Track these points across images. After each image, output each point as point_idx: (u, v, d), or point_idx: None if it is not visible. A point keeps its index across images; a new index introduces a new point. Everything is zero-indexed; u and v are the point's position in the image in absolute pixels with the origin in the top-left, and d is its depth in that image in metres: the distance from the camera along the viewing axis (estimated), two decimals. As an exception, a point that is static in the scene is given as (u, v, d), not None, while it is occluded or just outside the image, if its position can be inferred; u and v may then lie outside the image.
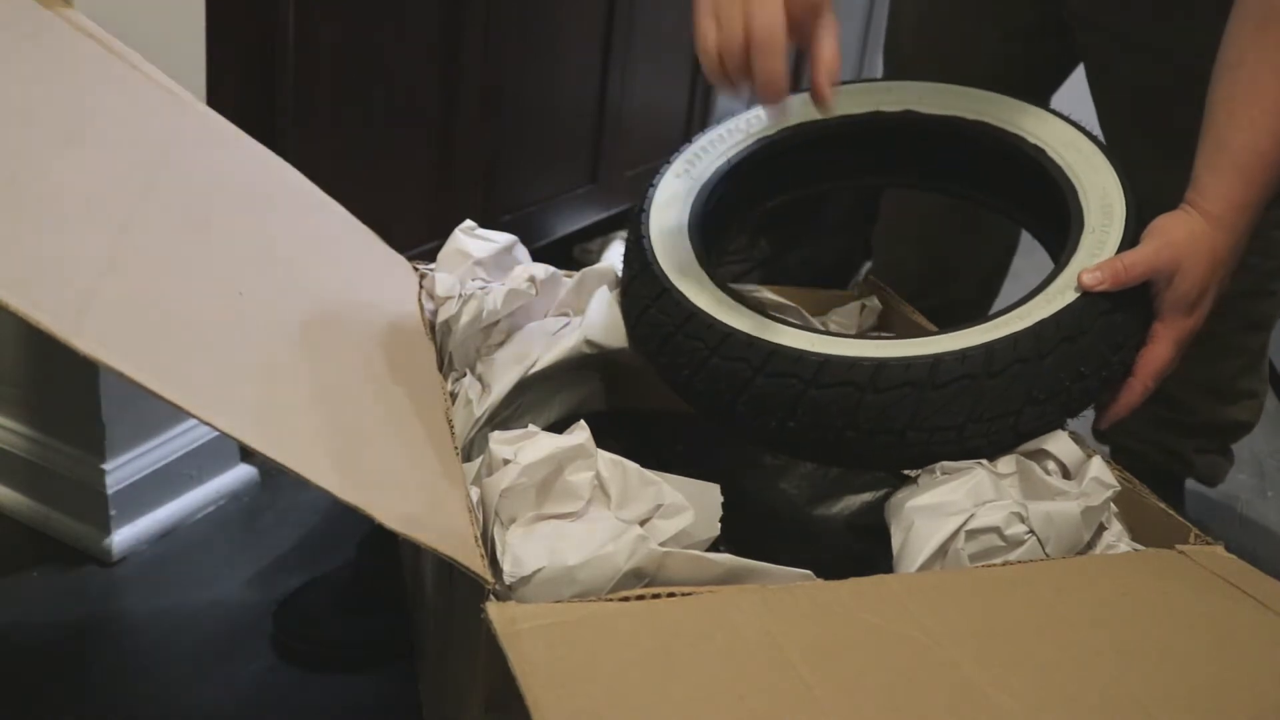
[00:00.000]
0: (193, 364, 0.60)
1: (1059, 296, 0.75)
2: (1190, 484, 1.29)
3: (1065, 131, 0.90)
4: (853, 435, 0.73)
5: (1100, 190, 0.83)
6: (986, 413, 0.72)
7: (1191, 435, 1.22)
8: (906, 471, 0.79)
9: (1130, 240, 0.78)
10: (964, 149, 0.95)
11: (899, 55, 1.23)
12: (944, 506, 0.71)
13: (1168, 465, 1.24)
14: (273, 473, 1.21)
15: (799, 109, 0.95)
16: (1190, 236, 0.76)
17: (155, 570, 1.08)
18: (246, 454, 1.21)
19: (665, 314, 0.79)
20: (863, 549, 0.89)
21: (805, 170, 1.01)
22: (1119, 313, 0.76)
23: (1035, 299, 0.76)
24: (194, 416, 0.54)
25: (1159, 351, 0.77)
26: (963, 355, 0.72)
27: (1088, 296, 0.74)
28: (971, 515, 0.69)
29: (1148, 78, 1.03)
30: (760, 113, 0.95)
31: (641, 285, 0.82)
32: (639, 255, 0.84)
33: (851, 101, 0.97)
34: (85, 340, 0.52)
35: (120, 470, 1.07)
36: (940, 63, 1.17)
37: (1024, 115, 0.92)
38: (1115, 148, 1.11)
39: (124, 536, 1.08)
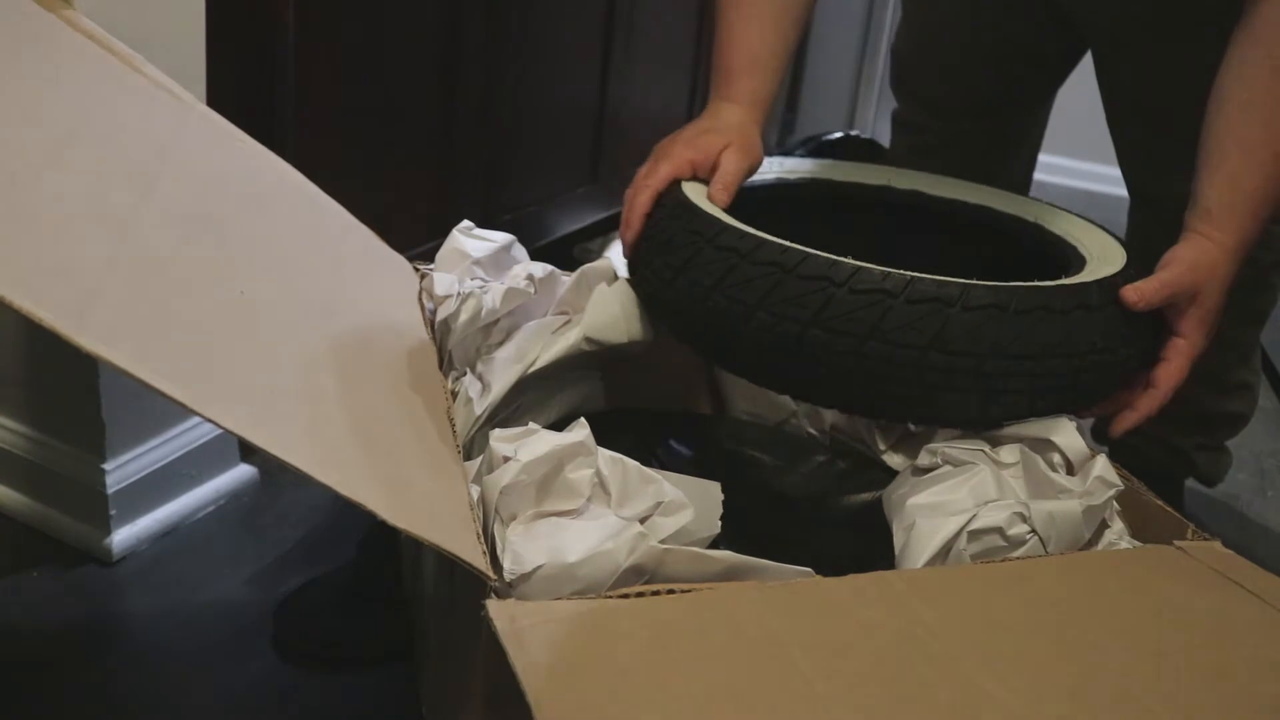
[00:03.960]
0: (194, 362, 0.60)
1: (1074, 281, 0.77)
2: (1190, 483, 1.30)
3: (1063, 215, 0.94)
4: (876, 348, 0.72)
5: (1099, 244, 0.87)
6: (1008, 349, 0.73)
7: (1191, 429, 1.23)
8: (900, 464, 0.79)
9: (1134, 262, 0.81)
10: (964, 228, 0.99)
11: (901, 59, 1.24)
12: (946, 506, 0.71)
13: (1169, 464, 1.24)
14: (273, 472, 1.21)
15: (811, 168, 1.01)
16: (1211, 264, 0.80)
17: (155, 570, 1.08)
18: (247, 454, 1.21)
19: (694, 231, 0.79)
20: (863, 548, 0.89)
21: (812, 221, 1.03)
22: (1127, 311, 0.77)
23: (1051, 282, 0.78)
24: (196, 413, 0.55)
25: (1179, 366, 0.80)
26: (994, 287, 0.73)
27: (1104, 282, 0.76)
28: (974, 515, 0.69)
29: (1146, 80, 1.04)
30: (784, 160, 1.02)
31: (669, 219, 0.83)
32: (669, 196, 0.85)
33: (866, 174, 1.03)
34: (88, 338, 0.53)
35: (120, 470, 1.07)
36: (942, 65, 1.18)
37: (1025, 204, 0.97)
38: (1118, 141, 1.12)
39: (124, 536, 1.08)
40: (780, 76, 0.95)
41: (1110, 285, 0.77)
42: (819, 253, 0.74)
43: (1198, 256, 0.80)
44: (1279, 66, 0.80)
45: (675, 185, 0.86)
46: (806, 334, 0.73)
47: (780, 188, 0.99)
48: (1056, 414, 0.77)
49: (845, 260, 0.73)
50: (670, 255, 0.81)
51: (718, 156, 0.87)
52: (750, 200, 0.92)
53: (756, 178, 0.95)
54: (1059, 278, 0.83)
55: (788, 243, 0.75)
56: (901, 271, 0.73)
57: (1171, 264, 0.79)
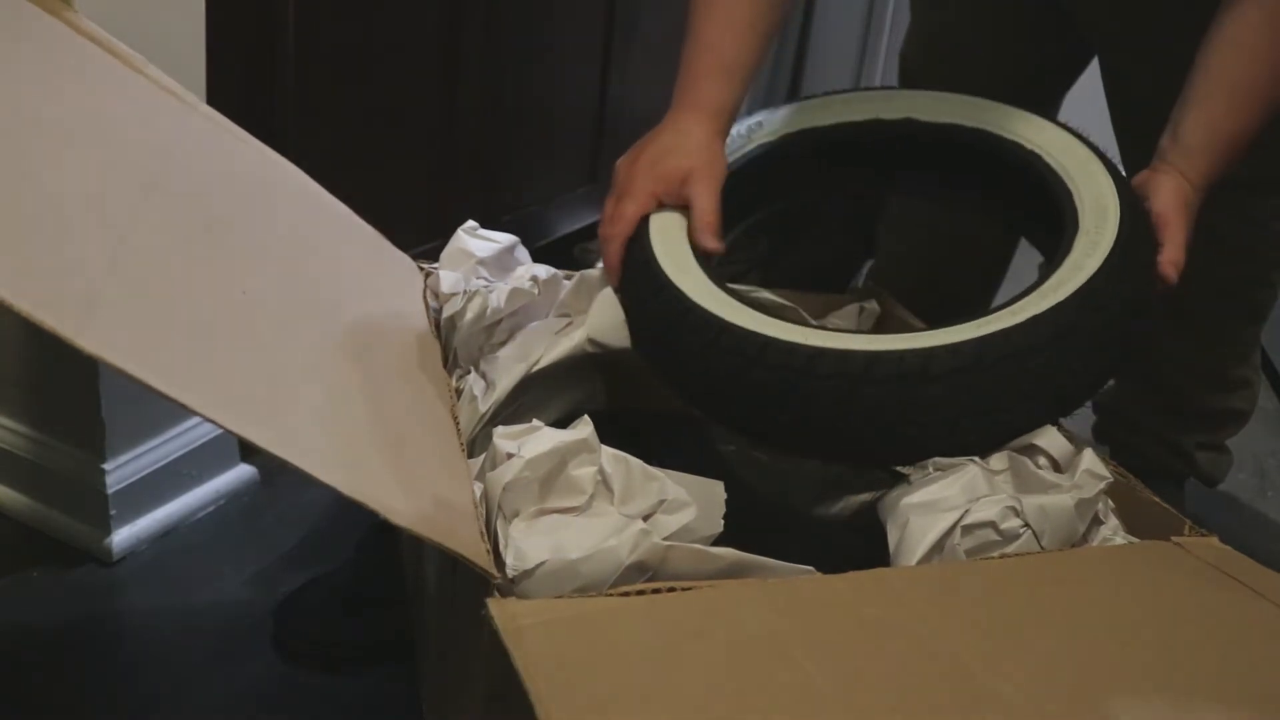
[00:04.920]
0: (197, 363, 0.60)
1: (1051, 294, 0.76)
2: (1190, 484, 1.29)
3: (1062, 138, 0.91)
4: (845, 428, 0.73)
5: (1095, 193, 0.85)
6: (979, 407, 0.72)
7: (1191, 426, 1.23)
8: (900, 469, 0.79)
9: (1124, 239, 0.79)
10: (962, 156, 0.96)
11: (909, 63, 1.24)
12: (939, 503, 0.71)
13: (1170, 463, 1.25)
14: (273, 472, 1.21)
15: (791, 119, 0.98)
16: (1190, 203, 0.83)
17: (155, 570, 1.07)
18: (247, 453, 1.21)
19: (664, 308, 0.79)
20: (863, 549, 0.89)
21: (806, 176, 1.02)
22: (1110, 312, 0.76)
23: (1028, 297, 0.76)
24: (199, 414, 0.54)
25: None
26: (955, 349, 0.72)
27: (1079, 295, 0.75)
28: (966, 511, 0.69)
29: (1150, 82, 1.04)
30: (761, 119, 0.99)
31: (641, 281, 0.83)
32: (639, 253, 0.84)
33: (852, 109, 0.99)
34: (89, 339, 0.52)
35: (120, 470, 1.07)
36: (949, 68, 1.18)
37: (1022, 123, 0.93)
38: (1122, 143, 1.13)
39: (124, 536, 1.08)
40: (748, 85, 0.92)
41: (1089, 292, 0.75)
42: (781, 334, 0.74)
43: (1184, 199, 0.83)
44: (1271, 11, 0.81)
45: (644, 228, 0.85)
46: (776, 420, 0.74)
47: (762, 157, 0.97)
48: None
49: (805, 344, 0.73)
50: (646, 324, 0.82)
51: (681, 184, 0.86)
52: (739, 181, 0.92)
53: (737, 152, 0.94)
54: (1053, 222, 0.83)
55: (748, 325, 0.75)
56: (859, 349, 0.72)
57: (1171, 212, 0.82)
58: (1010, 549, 0.68)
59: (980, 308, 1.29)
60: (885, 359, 0.71)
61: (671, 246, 0.84)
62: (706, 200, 0.85)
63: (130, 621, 1.02)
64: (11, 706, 0.91)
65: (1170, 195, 0.82)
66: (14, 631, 0.98)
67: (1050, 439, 0.75)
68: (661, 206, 0.86)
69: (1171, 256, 0.80)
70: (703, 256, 0.84)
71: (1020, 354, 0.72)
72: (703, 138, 0.88)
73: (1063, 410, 0.77)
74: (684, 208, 0.87)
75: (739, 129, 0.97)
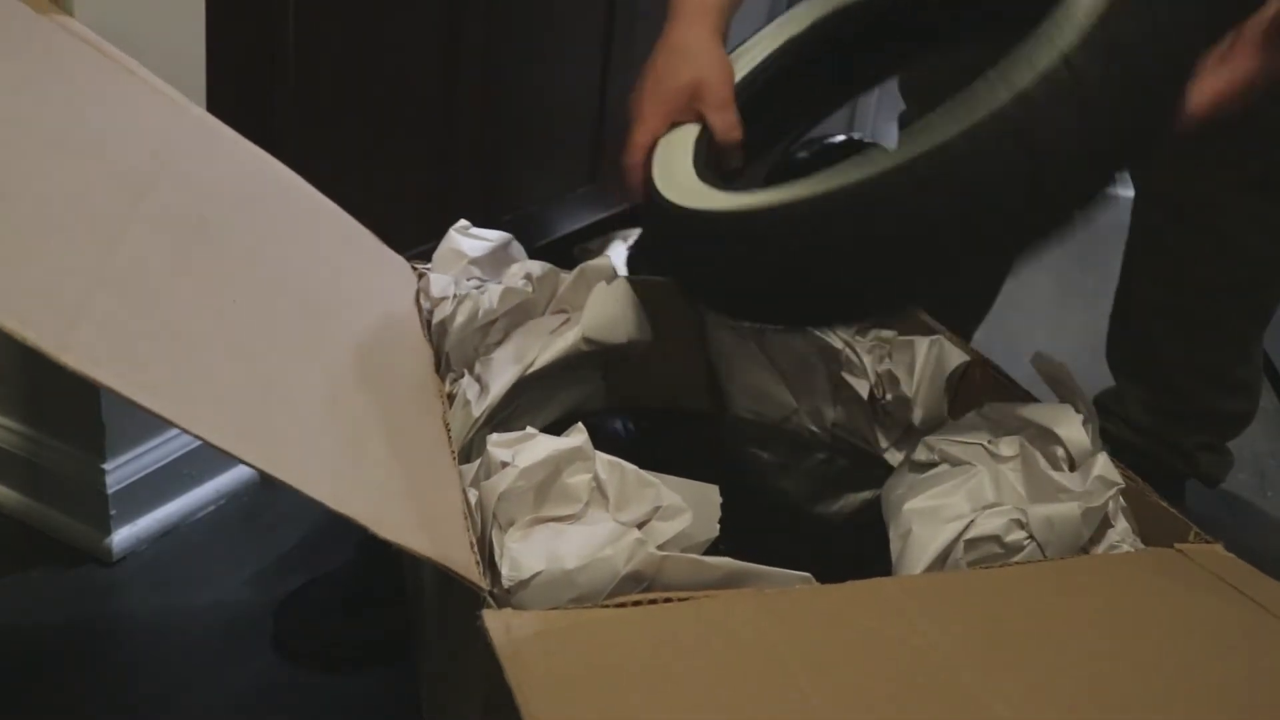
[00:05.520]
0: (184, 376, 0.59)
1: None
2: (1190, 484, 1.29)
3: None
4: (814, 280, 0.72)
5: None
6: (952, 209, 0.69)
7: (1192, 427, 1.23)
8: (897, 453, 0.78)
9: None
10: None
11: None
12: (942, 510, 0.71)
13: (1171, 463, 1.24)
14: (273, 473, 1.21)
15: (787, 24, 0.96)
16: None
17: (155, 570, 1.07)
18: (247, 454, 1.21)
19: (657, 220, 0.82)
20: (863, 547, 0.89)
21: (823, 78, 1.00)
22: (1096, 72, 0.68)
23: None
24: (185, 430, 0.54)
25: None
26: (907, 167, 0.70)
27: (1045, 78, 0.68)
28: (971, 522, 0.69)
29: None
30: (761, 32, 0.97)
31: (648, 206, 0.85)
32: (648, 169, 0.86)
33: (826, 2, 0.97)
34: (73, 355, 0.51)
35: (120, 470, 1.07)
36: (950, 74, 1.17)
37: None
38: None
39: (124, 536, 1.08)
40: None
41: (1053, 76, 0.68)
42: (725, 207, 0.74)
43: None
44: None
45: (650, 155, 0.85)
46: (748, 290, 0.76)
47: (759, 80, 0.94)
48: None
49: (751, 206, 0.72)
50: (653, 241, 0.84)
51: (689, 95, 0.85)
52: (756, 102, 0.91)
53: (744, 69, 0.92)
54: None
55: (701, 204, 0.76)
56: (808, 193, 0.70)
57: (1247, 41, 0.68)
58: (1014, 560, 0.67)
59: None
60: (837, 196, 0.69)
61: (669, 161, 0.84)
62: (717, 98, 0.85)
63: (130, 621, 1.02)
64: (11, 706, 0.91)
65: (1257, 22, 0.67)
66: (14, 631, 0.99)
67: (1070, 430, 0.74)
68: (675, 124, 0.86)
69: (1213, 85, 0.66)
70: (707, 159, 0.84)
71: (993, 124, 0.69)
72: (698, 43, 0.87)
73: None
74: (698, 118, 0.86)
75: (740, 48, 0.95)
